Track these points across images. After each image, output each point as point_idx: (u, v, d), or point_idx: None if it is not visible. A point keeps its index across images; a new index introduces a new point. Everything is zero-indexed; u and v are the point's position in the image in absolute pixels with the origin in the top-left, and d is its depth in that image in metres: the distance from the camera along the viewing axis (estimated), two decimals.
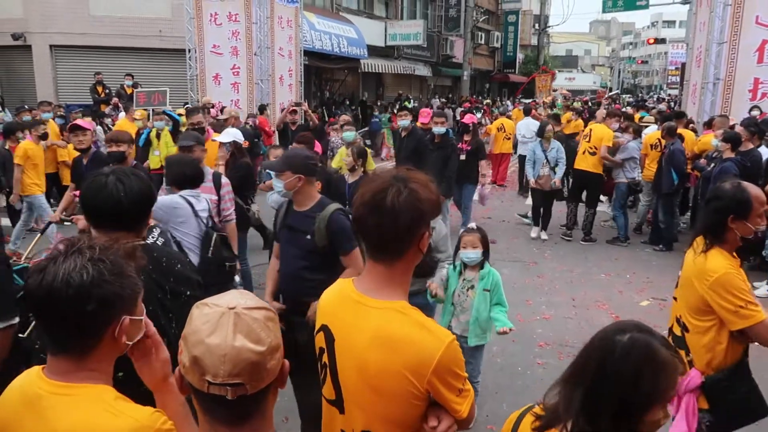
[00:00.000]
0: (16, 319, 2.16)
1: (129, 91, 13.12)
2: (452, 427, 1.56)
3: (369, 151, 5.89)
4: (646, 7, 28.02)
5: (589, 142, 8.32)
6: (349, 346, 1.61)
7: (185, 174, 3.75)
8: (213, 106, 10.95)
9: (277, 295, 3.31)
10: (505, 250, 7.92)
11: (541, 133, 8.39)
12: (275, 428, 1.26)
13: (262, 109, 12.24)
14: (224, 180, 4.54)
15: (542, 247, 8.22)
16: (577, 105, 20.60)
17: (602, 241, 8.47)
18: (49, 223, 5.34)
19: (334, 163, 6.80)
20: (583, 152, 8.38)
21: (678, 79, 29.32)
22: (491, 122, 15.18)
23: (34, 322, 1.93)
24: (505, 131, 12.52)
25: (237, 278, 4.65)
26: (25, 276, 2.29)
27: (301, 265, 3.11)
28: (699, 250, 2.57)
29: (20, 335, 2.12)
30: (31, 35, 16.12)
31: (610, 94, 34.07)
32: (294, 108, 9.56)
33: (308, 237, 3.07)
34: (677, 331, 2.71)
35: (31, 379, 1.34)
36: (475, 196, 8.49)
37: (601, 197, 8.96)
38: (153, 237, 2.29)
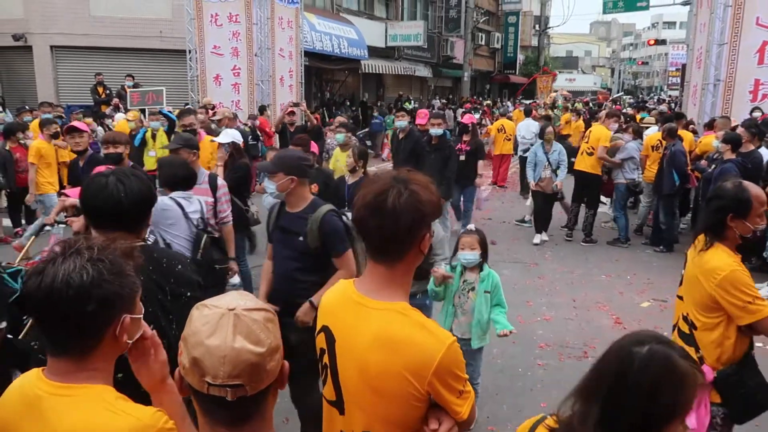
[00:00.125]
0: (4, 324, 2.13)
1: None
2: (453, 429, 1.55)
3: (370, 152, 5.88)
4: (647, 8, 28.08)
5: (587, 142, 8.32)
6: (349, 347, 1.61)
7: (177, 175, 3.73)
8: (214, 107, 10.93)
9: (271, 295, 3.29)
10: (506, 251, 7.92)
11: (541, 134, 8.36)
12: (275, 429, 1.25)
13: (262, 110, 12.22)
14: (220, 182, 4.49)
15: (543, 249, 8.21)
16: (579, 106, 20.60)
17: (603, 242, 8.46)
18: (43, 225, 5.30)
19: (330, 165, 6.79)
20: (582, 153, 8.37)
21: (678, 81, 29.30)
22: (492, 123, 15.16)
23: (29, 324, 1.92)
24: (505, 132, 12.52)
25: (237, 279, 4.64)
26: (18, 278, 2.29)
27: (294, 267, 3.11)
28: (700, 247, 2.60)
29: (9, 336, 2.10)
30: (32, 36, 16.13)
31: (614, 96, 34.04)
32: (292, 109, 9.42)
33: (300, 238, 3.06)
34: (685, 328, 2.73)
35: (30, 380, 1.33)
36: None
37: (603, 198, 8.94)
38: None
